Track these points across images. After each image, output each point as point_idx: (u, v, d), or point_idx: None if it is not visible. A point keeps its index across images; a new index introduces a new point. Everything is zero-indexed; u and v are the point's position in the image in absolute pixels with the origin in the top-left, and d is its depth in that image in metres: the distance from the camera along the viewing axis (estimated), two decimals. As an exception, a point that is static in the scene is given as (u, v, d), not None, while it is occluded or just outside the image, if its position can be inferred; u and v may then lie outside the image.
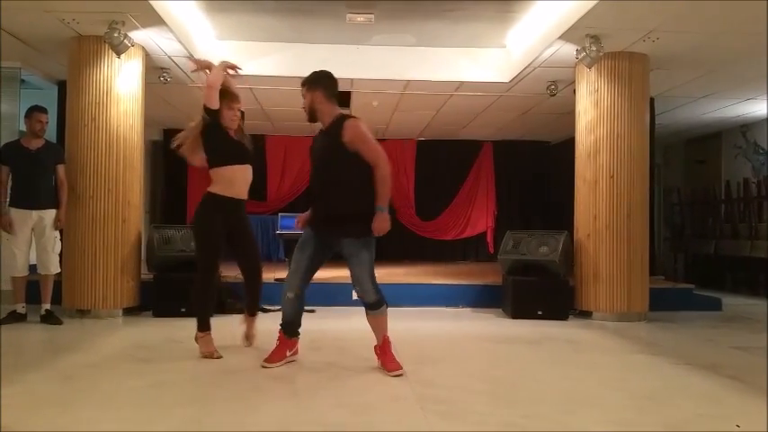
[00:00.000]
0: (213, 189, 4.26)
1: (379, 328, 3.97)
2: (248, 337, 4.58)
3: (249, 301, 4.60)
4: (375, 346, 4.00)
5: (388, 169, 3.78)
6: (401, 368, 3.81)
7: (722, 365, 4.22)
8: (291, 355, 4.09)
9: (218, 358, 4.17)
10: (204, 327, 4.28)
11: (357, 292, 3.93)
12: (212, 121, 4.26)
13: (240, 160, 4.32)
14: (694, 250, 10.76)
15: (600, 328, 5.80)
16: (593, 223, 6.24)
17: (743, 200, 9.87)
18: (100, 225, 5.90)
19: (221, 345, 4.69)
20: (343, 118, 3.88)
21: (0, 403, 3.06)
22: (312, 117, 4.03)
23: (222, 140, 4.29)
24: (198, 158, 4.41)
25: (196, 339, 4.29)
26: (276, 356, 4.00)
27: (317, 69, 4.11)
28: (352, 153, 3.75)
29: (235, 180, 4.29)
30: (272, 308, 6.49)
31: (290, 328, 4.07)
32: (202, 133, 4.31)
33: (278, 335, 4.08)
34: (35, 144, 5.54)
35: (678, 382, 3.80)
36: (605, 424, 2.95)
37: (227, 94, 4.37)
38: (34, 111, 5.58)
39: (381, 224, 3.73)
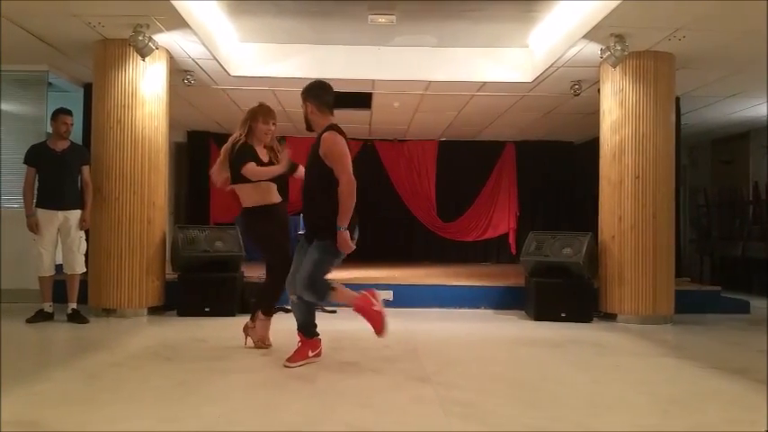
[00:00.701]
0: (247, 204, 4.45)
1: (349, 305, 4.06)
2: (264, 340, 4.56)
3: (270, 301, 4.57)
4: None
5: (351, 187, 3.85)
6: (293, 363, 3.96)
7: (750, 369, 4.15)
8: (314, 355, 4.10)
9: (268, 347, 4.43)
10: (269, 312, 4.49)
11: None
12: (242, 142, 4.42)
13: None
14: (721, 252, 10.57)
15: (624, 330, 5.73)
16: (618, 225, 6.17)
17: (771, 201, 9.69)
18: (125, 226, 5.98)
19: (246, 345, 4.74)
20: (324, 130, 3.98)
21: (0, 402, 3.11)
22: (308, 127, 4.16)
23: (246, 152, 4.40)
24: (222, 179, 4.49)
25: (246, 328, 4.50)
26: (298, 356, 4.02)
27: (314, 80, 4.24)
28: (330, 166, 3.89)
29: (264, 190, 4.46)
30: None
31: (306, 329, 4.11)
32: (231, 150, 4.40)
33: (298, 336, 4.12)
34: (61, 145, 5.64)
35: (705, 386, 3.74)
36: (630, 428, 2.91)
37: (263, 109, 4.49)
38: (59, 113, 5.68)
39: (341, 244, 3.85)
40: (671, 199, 6.25)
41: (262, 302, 4.52)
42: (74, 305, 5.61)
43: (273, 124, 4.55)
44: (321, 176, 3.92)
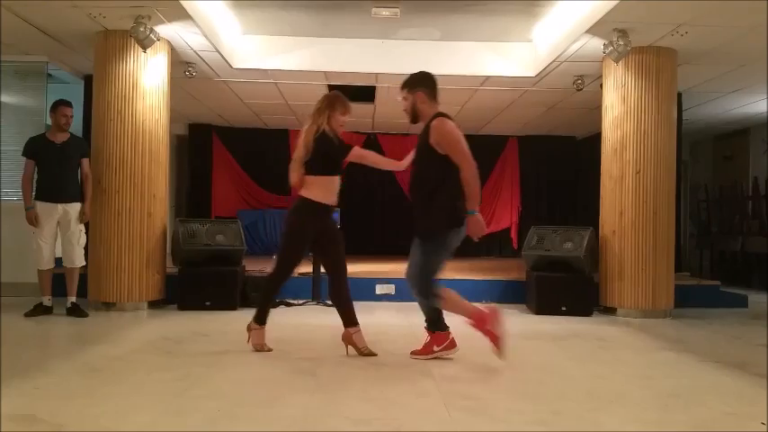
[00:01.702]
0: (309, 195, 4.15)
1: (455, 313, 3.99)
2: (362, 350, 4.18)
3: (344, 310, 4.24)
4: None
5: (472, 170, 3.75)
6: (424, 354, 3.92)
7: (750, 363, 4.16)
8: (440, 350, 4.02)
9: (268, 351, 4.19)
10: (261, 320, 4.23)
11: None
12: (342, 153, 4.17)
13: (340, 171, 4.25)
14: (721, 247, 10.59)
15: (625, 324, 5.74)
16: (619, 219, 6.17)
17: (771, 197, 9.69)
18: (125, 219, 5.97)
19: (246, 339, 4.73)
20: (433, 118, 3.87)
21: (0, 398, 3.11)
22: (414, 118, 4.02)
23: (334, 149, 4.15)
24: (299, 177, 4.20)
25: (249, 329, 4.27)
26: (423, 351, 4.02)
27: (419, 71, 4.10)
28: (442, 155, 3.78)
29: (331, 188, 4.21)
30: (295, 302, 6.55)
31: (431, 323, 4.07)
32: (315, 140, 4.11)
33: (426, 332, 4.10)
34: (60, 138, 5.61)
35: (705, 379, 3.75)
36: (632, 422, 2.92)
37: (341, 99, 4.25)
38: (59, 105, 5.64)
39: (473, 227, 3.74)
40: (671, 194, 6.25)
41: (259, 299, 4.41)
42: (73, 299, 5.60)
43: (348, 115, 4.28)
44: (433, 167, 3.81)
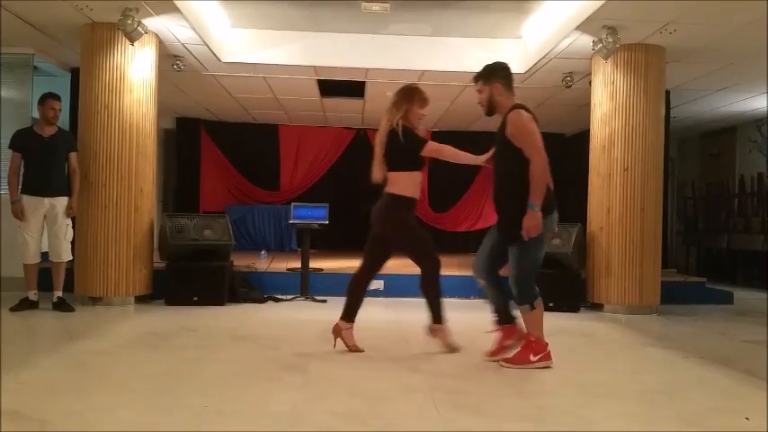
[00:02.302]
0: (396, 190, 4.08)
1: (525, 323, 3.84)
2: (450, 346, 4.15)
3: (436, 297, 4.16)
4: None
5: (541, 165, 3.66)
6: (519, 363, 3.74)
7: (735, 359, 4.20)
8: (511, 341, 3.91)
9: (456, 350, 4.09)
10: (439, 319, 4.11)
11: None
12: (418, 146, 4.06)
13: (421, 166, 4.18)
14: (707, 244, 10.68)
15: (612, 320, 5.78)
16: (607, 216, 6.21)
17: (757, 194, 9.77)
18: (112, 213, 5.93)
19: (235, 334, 4.72)
20: (510, 110, 3.79)
21: (0, 398, 3.08)
22: (491, 111, 3.96)
23: (411, 144, 4.06)
24: (381, 171, 4.15)
25: (435, 334, 4.12)
26: (519, 357, 3.84)
27: (494, 61, 4.01)
28: (518, 148, 3.70)
29: (417, 183, 4.16)
30: (283, 297, 6.54)
31: (500, 315, 3.96)
32: (390, 136, 4.04)
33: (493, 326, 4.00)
34: (48, 131, 5.56)
35: (691, 375, 3.78)
36: (618, 417, 2.94)
37: (420, 92, 4.19)
38: (47, 98, 5.58)
39: (529, 222, 3.62)
40: (659, 191, 6.29)
41: (433, 302, 4.16)
42: (59, 293, 5.56)
43: (427, 108, 4.20)
44: (512, 160, 3.71)
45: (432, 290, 4.14)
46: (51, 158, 5.53)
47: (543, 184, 3.68)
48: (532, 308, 3.75)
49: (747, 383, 3.60)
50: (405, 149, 4.01)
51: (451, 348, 4.11)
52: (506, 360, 3.82)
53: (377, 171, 4.15)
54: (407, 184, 4.08)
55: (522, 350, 3.81)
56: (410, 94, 4.12)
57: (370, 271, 4.27)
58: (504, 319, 3.96)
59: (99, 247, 5.89)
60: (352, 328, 4.17)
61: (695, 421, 2.89)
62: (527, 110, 3.79)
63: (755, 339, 5.03)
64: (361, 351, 4.11)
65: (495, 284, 3.97)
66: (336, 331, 4.15)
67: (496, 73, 3.90)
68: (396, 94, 4.14)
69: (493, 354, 3.93)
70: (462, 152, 4.23)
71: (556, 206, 3.83)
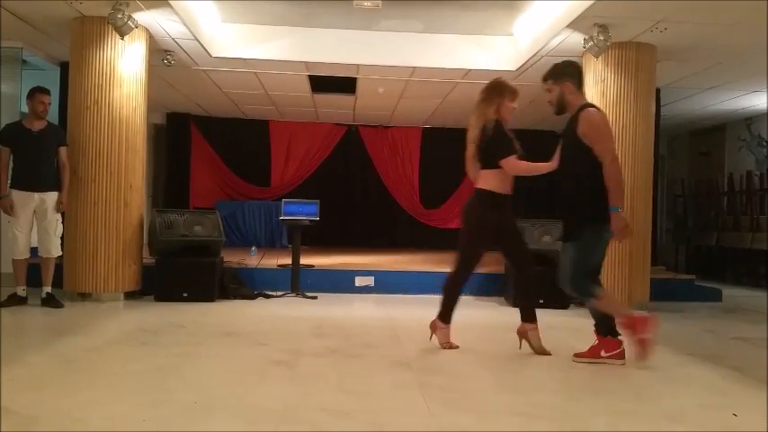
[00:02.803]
0: (485, 185, 4.03)
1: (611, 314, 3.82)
2: (536, 348, 4.07)
3: (525, 304, 4.14)
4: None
5: (615, 166, 3.64)
6: (645, 347, 3.70)
7: (723, 356, 4.23)
8: (608, 356, 3.79)
9: (455, 348, 4.08)
10: (446, 319, 4.12)
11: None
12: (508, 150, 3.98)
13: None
14: (696, 241, 10.76)
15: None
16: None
17: (745, 192, 9.85)
18: (101, 208, 5.89)
19: (225, 330, 4.71)
20: (581, 108, 3.77)
21: (0, 396, 3.06)
22: (561, 110, 3.91)
23: (507, 139, 4.02)
24: (474, 169, 4.11)
25: (433, 327, 4.14)
26: (588, 354, 3.84)
27: (563, 60, 3.98)
28: (589, 147, 3.67)
29: (508, 177, 4.06)
30: (274, 294, 6.52)
31: (600, 326, 3.88)
32: (484, 133, 3.99)
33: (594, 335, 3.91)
34: (37, 125, 5.51)
35: (679, 372, 3.80)
36: (605, 413, 2.96)
37: (509, 85, 4.12)
38: (36, 92, 5.53)
39: (616, 225, 3.60)
40: (649, 189, 6.32)
41: (447, 302, 4.17)
42: (48, 289, 5.52)
43: (517, 101, 4.13)
44: (579, 159, 3.70)
45: (451, 291, 4.17)
46: (41, 153, 5.48)
47: (621, 184, 3.69)
48: (598, 297, 3.76)
49: (735, 380, 3.63)
50: (496, 146, 3.96)
51: (448, 347, 4.11)
52: (576, 354, 3.83)
53: (471, 170, 4.12)
54: (497, 179, 4.02)
55: (594, 346, 3.83)
56: (501, 89, 4.04)
57: (518, 268, 4.19)
58: (606, 330, 3.85)
59: (88, 242, 5.86)
60: (448, 328, 4.13)
61: (682, 417, 2.90)
62: (598, 109, 3.80)
63: (743, 336, 5.08)
64: (456, 347, 4.09)
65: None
66: (432, 327, 4.18)
67: (567, 71, 3.88)
68: (484, 91, 4.08)
69: (580, 355, 3.87)
70: (537, 164, 4.09)
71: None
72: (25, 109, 5.65)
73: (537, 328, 4.06)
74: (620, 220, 3.62)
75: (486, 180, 4.03)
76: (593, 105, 3.83)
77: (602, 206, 3.66)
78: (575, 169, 3.77)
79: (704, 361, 4.07)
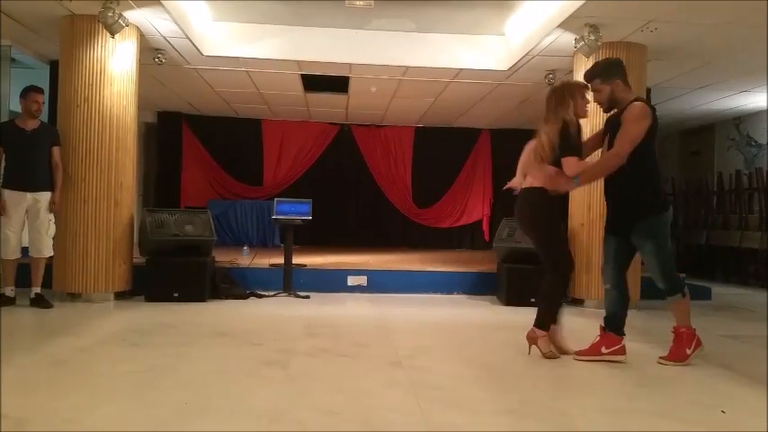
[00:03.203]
0: (540, 184, 3.95)
1: (675, 314, 3.87)
2: (562, 348, 4.04)
3: (557, 306, 4.08)
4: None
5: (615, 161, 3.64)
6: (678, 360, 3.75)
7: (712, 354, 4.24)
8: (609, 353, 3.84)
9: (557, 357, 3.93)
10: (547, 327, 3.98)
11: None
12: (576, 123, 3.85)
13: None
14: (686, 240, 10.82)
15: (592, 315, 5.80)
16: (587, 213, 6.25)
17: (734, 191, 9.92)
18: (91, 207, 5.86)
19: (217, 330, 4.70)
20: (632, 102, 3.74)
21: (0, 399, 3.04)
22: (612, 107, 3.87)
23: (578, 138, 3.89)
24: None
25: (534, 340, 3.97)
26: (590, 351, 3.86)
27: (606, 58, 4.02)
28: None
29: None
30: (266, 293, 6.51)
31: (608, 323, 3.91)
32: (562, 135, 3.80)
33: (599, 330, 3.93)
34: (31, 125, 5.48)
35: (669, 369, 3.82)
36: (596, 411, 2.97)
37: (577, 85, 4.03)
38: (30, 91, 5.51)
39: (548, 173, 3.74)
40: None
41: (549, 305, 4.04)
42: (37, 289, 5.48)
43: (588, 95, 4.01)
44: (631, 153, 3.65)
45: (547, 298, 4.05)
46: (34, 152, 5.45)
47: (599, 175, 3.76)
48: (684, 295, 3.79)
49: (724, 377, 3.65)
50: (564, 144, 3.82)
51: (550, 355, 3.94)
52: (578, 352, 3.84)
53: (533, 170, 4.01)
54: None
55: (675, 345, 3.82)
56: (573, 90, 3.93)
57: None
58: (614, 327, 3.90)
59: (78, 242, 5.82)
60: (552, 331, 4.04)
61: (672, 415, 2.92)
62: (646, 102, 3.79)
63: (732, 334, 5.12)
64: (557, 357, 3.96)
65: (622, 291, 3.94)
66: (532, 339, 4.05)
67: (615, 69, 3.87)
68: (555, 95, 3.95)
69: (581, 353, 3.90)
70: (591, 162, 3.97)
71: (669, 205, 3.87)
72: (14, 107, 5.61)
73: (545, 334, 3.98)
74: (555, 176, 3.72)
75: (538, 178, 3.96)
76: (642, 99, 3.83)
77: (659, 199, 3.77)
78: (629, 161, 3.69)
79: (695, 359, 4.08)
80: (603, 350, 3.86)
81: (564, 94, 3.91)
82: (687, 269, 9.17)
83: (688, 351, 3.79)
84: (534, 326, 4.00)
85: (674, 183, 11.52)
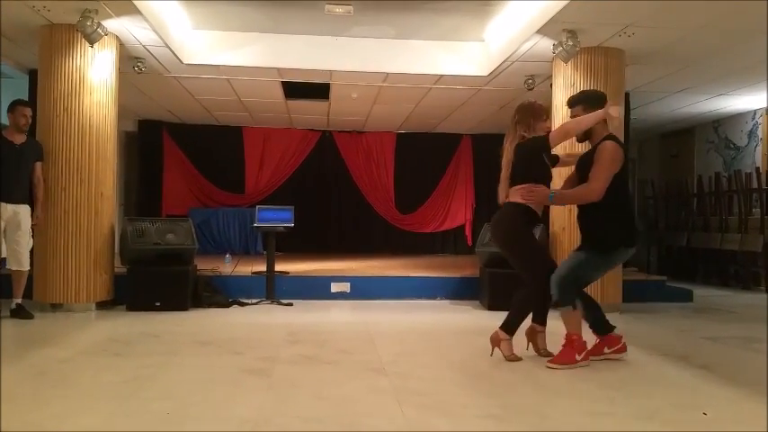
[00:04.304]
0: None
1: (567, 323, 3.97)
2: (542, 350, 4.17)
3: (542, 308, 4.18)
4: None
5: (591, 196, 3.81)
6: (565, 363, 3.83)
7: (693, 355, 4.30)
8: (612, 352, 4.07)
9: (519, 360, 4.02)
10: (512, 332, 4.09)
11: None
12: (542, 143, 4.00)
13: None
14: (667, 243, 10.93)
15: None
16: (569, 216, 6.28)
17: (714, 193, 10.04)
18: (72, 217, 5.81)
19: (199, 339, 4.67)
20: (605, 138, 3.91)
21: (0, 399, 3.00)
22: (585, 137, 4.06)
23: (545, 160, 4.06)
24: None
25: (497, 342, 4.07)
26: (592, 350, 4.01)
27: (594, 90, 4.36)
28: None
29: None
30: (248, 302, 6.48)
31: (596, 326, 4.11)
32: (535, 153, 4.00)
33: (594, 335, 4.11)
34: (19, 139, 5.50)
35: (651, 372, 3.87)
36: (579, 414, 2.99)
37: (541, 107, 4.18)
38: (18, 105, 5.55)
39: (533, 190, 3.87)
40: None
41: (520, 316, 4.13)
42: (18, 300, 5.42)
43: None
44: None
45: (520, 306, 4.11)
46: (20, 166, 5.47)
47: (576, 202, 4.00)
48: (574, 308, 3.92)
49: (705, 379, 3.69)
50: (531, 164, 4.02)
51: (512, 358, 4.03)
52: (554, 361, 3.90)
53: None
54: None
55: (566, 349, 3.90)
56: (535, 111, 4.09)
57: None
58: (603, 328, 4.10)
59: (58, 252, 5.77)
60: (533, 331, 4.21)
61: (653, 416, 2.95)
62: (618, 143, 3.93)
63: (713, 336, 5.17)
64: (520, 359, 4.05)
65: (585, 299, 4.08)
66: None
67: (599, 103, 4.00)
68: (517, 113, 4.13)
69: (586, 356, 3.97)
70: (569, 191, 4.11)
71: (635, 243, 4.00)
72: (4, 121, 5.57)
73: (510, 339, 4.09)
74: (539, 192, 3.88)
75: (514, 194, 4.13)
76: (615, 138, 3.97)
77: (624, 233, 3.90)
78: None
79: (676, 361, 4.14)
80: (606, 350, 4.07)
81: (529, 113, 4.07)
82: (669, 271, 9.29)
83: (578, 357, 3.88)
84: (500, 327, 4.08)
85: (653, 186, 11.64)
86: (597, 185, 3.79)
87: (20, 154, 5.44)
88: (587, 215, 3.99)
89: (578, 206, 4.07)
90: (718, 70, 7.28)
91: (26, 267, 5.49)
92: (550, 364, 3.87)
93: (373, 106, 9.35)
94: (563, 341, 3.94)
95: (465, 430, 2.74)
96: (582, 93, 4.28)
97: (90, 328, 5.25)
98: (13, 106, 5.51)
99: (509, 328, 4.07)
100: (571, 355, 3.87)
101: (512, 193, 4.07)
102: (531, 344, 4.19)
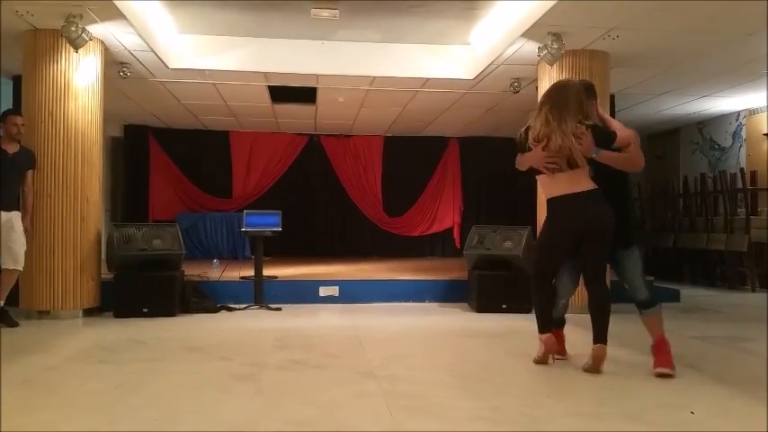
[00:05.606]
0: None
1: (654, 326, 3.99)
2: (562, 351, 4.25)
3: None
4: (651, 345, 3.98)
5: (639, 163, 4.07)
6: (666, 367, 3.76)
7: (681, 355, 4.31)
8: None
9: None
10: (540, 331, 4.02)
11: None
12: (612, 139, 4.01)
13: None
14: (654, 243, 11.00)
15: (570, 321, 5.87)
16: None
17: (700, 194, 10.13)
18: (58, 223, 5.77)
19: (187, 345, 4.64)
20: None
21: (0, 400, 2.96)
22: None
23: None
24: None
25: (603, 359, 3.89)
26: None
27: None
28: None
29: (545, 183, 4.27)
30: (237, 306, 6.46)
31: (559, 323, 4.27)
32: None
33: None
34: (12, 148, 5.48)
35: (639, 373, 3.88)
36: (567, 416, 3.00)
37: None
38: (9, 114, 5.54)
39: (586, 137, 3.83)
40: (606, 193, 6.44)
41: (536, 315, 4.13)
42: (1, 302, 5.35)
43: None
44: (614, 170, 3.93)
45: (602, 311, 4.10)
46: (12, 175, 5.44)
47: (616, 162, 3.97)
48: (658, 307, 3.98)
49: (692, 379, 3.72)
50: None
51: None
52: (662, 366, 3.79)
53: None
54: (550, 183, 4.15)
55: (665, 354, 3.85)
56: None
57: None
58: (559, 323, 4.27)
59: (44, 258, 5.72)
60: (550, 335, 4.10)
61: (641, 417, 2.97)
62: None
63: (701, 335, 5.21)
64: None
65: (554, 292, 4.21)
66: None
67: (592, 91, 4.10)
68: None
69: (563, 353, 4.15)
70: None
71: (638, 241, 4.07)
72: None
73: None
74: (586, 145, 3.80)
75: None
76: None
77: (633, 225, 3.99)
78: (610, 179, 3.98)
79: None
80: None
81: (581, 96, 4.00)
82: (656, 272, 9.34)
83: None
84: (597, 342, 3.94)
85: (640, 187, 11.72)
86: (641, 161, 3.95)
87: (12, 164, 5.44)
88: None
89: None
90: (702, 72, 7.36)
91: (20, 267, 5.44)
92: (664, 370, 3.74)
93: (360, 110, 9.36)
94: (654, 344, 3.93)
95: (454, 433, 2.74)
96: (585, 84, 4.19)
97: (77, 335, 5.20)
98: (5, 116, 5.51)
99: (603, 338, 3.94)
100: (670, 353, 3.85)
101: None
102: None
